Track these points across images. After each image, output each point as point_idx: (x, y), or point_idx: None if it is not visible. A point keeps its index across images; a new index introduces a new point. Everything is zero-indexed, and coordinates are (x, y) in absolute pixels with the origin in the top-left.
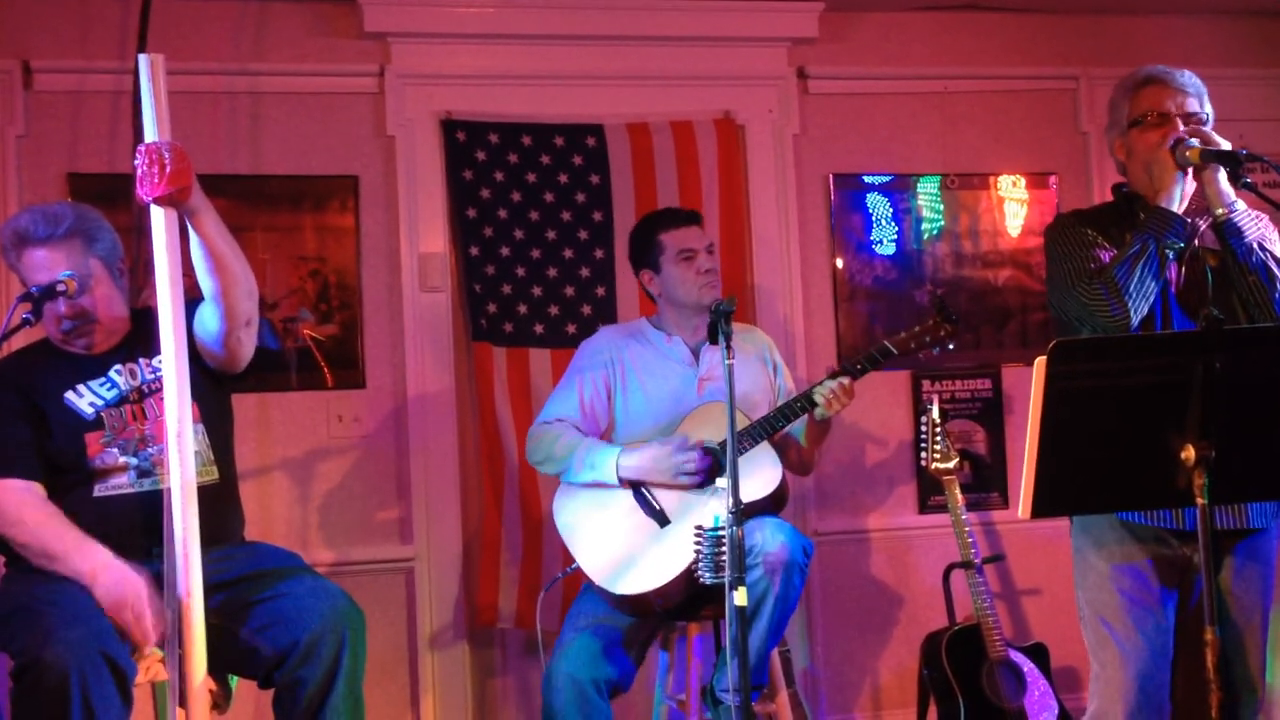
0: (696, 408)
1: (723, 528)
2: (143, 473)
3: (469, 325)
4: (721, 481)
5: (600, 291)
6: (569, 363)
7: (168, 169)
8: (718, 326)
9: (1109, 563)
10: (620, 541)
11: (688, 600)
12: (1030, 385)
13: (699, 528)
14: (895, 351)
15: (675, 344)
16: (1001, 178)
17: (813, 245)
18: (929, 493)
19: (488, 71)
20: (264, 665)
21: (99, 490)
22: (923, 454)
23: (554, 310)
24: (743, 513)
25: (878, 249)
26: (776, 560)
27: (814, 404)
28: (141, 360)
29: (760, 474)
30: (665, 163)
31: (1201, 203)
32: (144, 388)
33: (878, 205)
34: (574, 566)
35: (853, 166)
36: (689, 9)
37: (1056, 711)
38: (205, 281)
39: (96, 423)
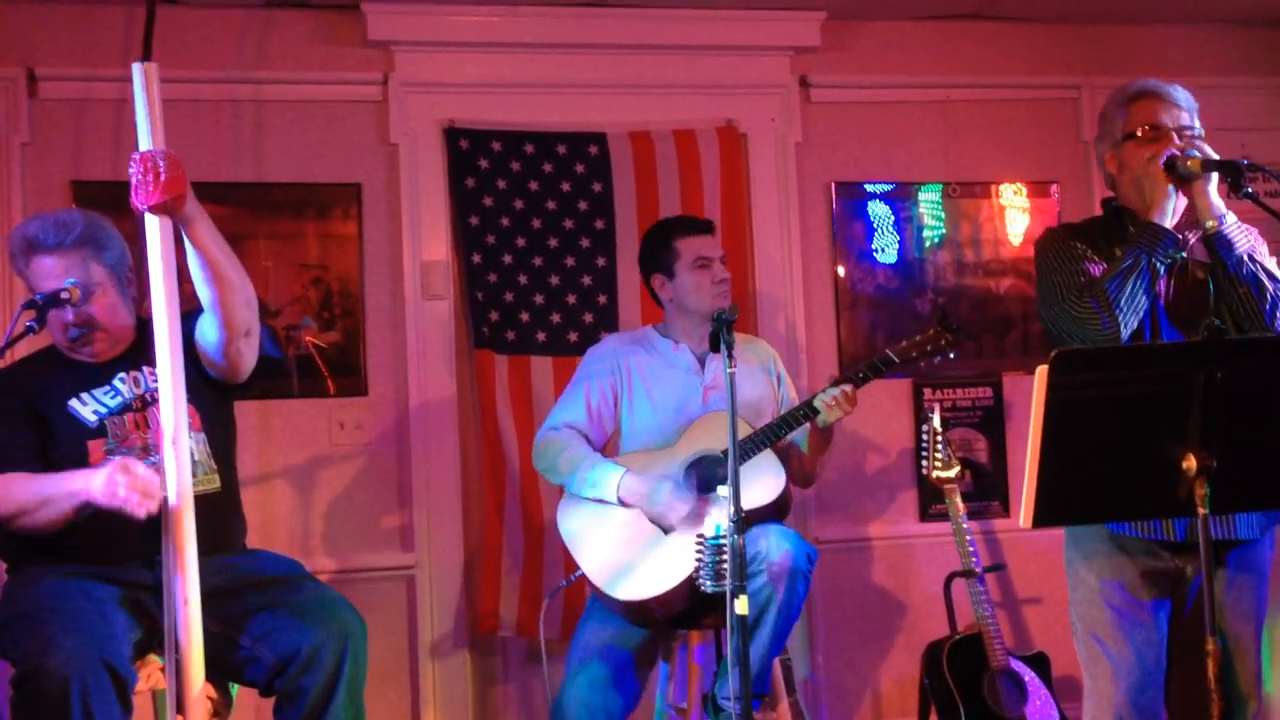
0: (700, 417)
1: (724, 536)
2: None
3: (471, 333)
4: (724, 489)
5: (602, 299)
6: (571, 370)
7: (162, 177)
8: (719, 335)
9: (1099, 577)
10: (623, 548)
11: (690, 608)
12: (1032, 394)
13: (700, 535)
14: (897, 360)
15: (681, 351)
16: (1003, 186)
17: (814, 253)
18: (930, 501)
19: (491, 80)
20: (265, 673)
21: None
22: (924, 462)
23: (556, 318)
24: (745, 520)
25: (879, 257)
26: (780, 568)
27: (816, 412)
28: (145, 369)
29: (763, 481)
30: (668, 171)
31: (1191, 216)
32: (147, 396)
33: (879, 213)
34: (577, 574)
35: (855, 175)
36: (691, 18)
37: None
38: (202, 291)
39: (99, 430)
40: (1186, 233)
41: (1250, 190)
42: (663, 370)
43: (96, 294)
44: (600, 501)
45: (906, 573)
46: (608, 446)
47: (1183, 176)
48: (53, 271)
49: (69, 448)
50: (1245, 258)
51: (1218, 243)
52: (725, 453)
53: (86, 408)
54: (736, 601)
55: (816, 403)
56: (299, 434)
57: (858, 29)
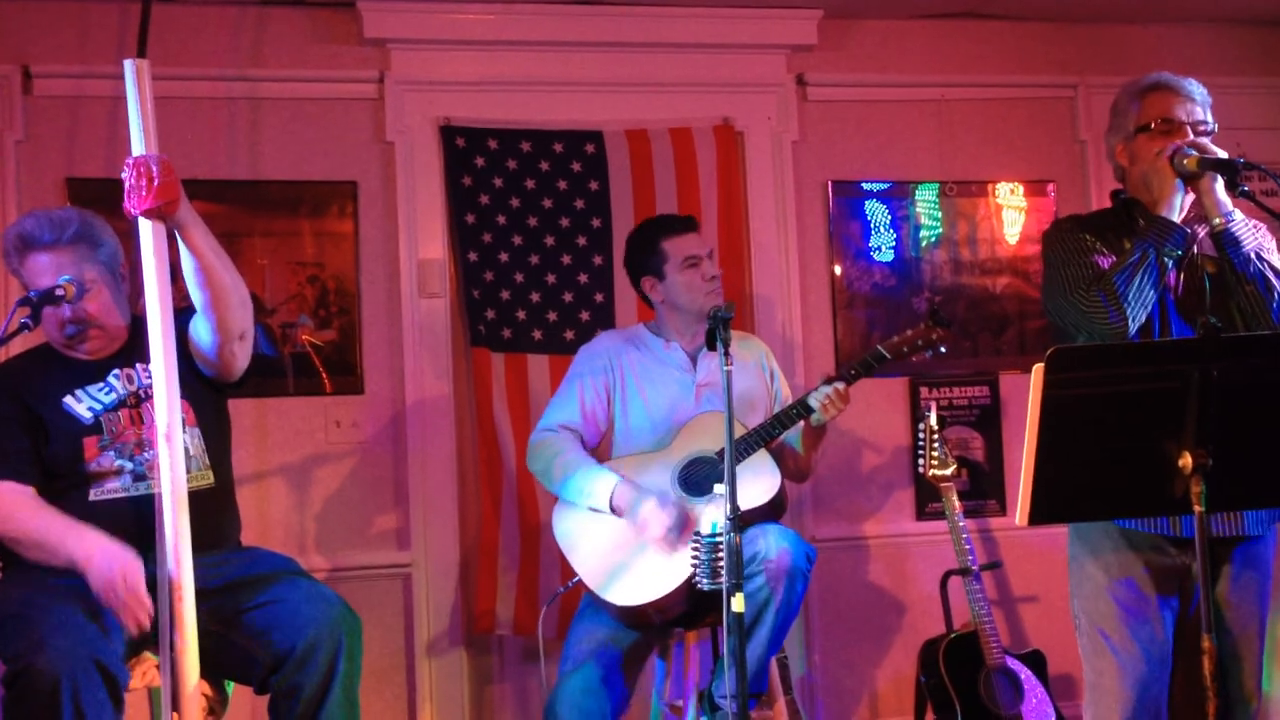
0: (694, 418)
1: (720, 535)
2: (138, 477)
3: (467, 331)
4: (720, 488)
5: (599, 298)
6: (567, 369)
7: (155, 182)
8: (715, 333)
9: (1105, 572)
10: (618, 552)
11: (686, 612)
12: (1028, 392)
13: (696, 534)
14: (889, 356)
15: (674, 350)
16: (1000, 185)
17: (811, 252)
18: (926, 499)
19: (487, 78)
20: (260, 671)
21: (94, 494)
22: (920, 461)
23: (552, 316)
24: (741, 520)
25: (876, 256)
26: (778, 568)
27: (810, 410)
28: (140, 365)
29: (758, 481)
30: (664, 169)
31: (1200, 210)
32: (141, 392)
33: (876, 212)
34: (575, 580)
35: (851, 173)
36: (688, 16)
37: (1054, 719)
38: (196, 294)
39: (94, 427)
40: (1196, 227)
41: (1246, 189)
42: (655, 369)
43: (92, 291)
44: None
45: (903, 571)
46: (602, 444)
47: (1180, 173)
48: (48, 269)
49: (63, 444)
50: (1253, 255)
51: (1225, 240)
52: (720, 453)
53: (81, 404)
54: (733, 600)
55: (810, 401)
56: (295, 432)
57: (854, 28)
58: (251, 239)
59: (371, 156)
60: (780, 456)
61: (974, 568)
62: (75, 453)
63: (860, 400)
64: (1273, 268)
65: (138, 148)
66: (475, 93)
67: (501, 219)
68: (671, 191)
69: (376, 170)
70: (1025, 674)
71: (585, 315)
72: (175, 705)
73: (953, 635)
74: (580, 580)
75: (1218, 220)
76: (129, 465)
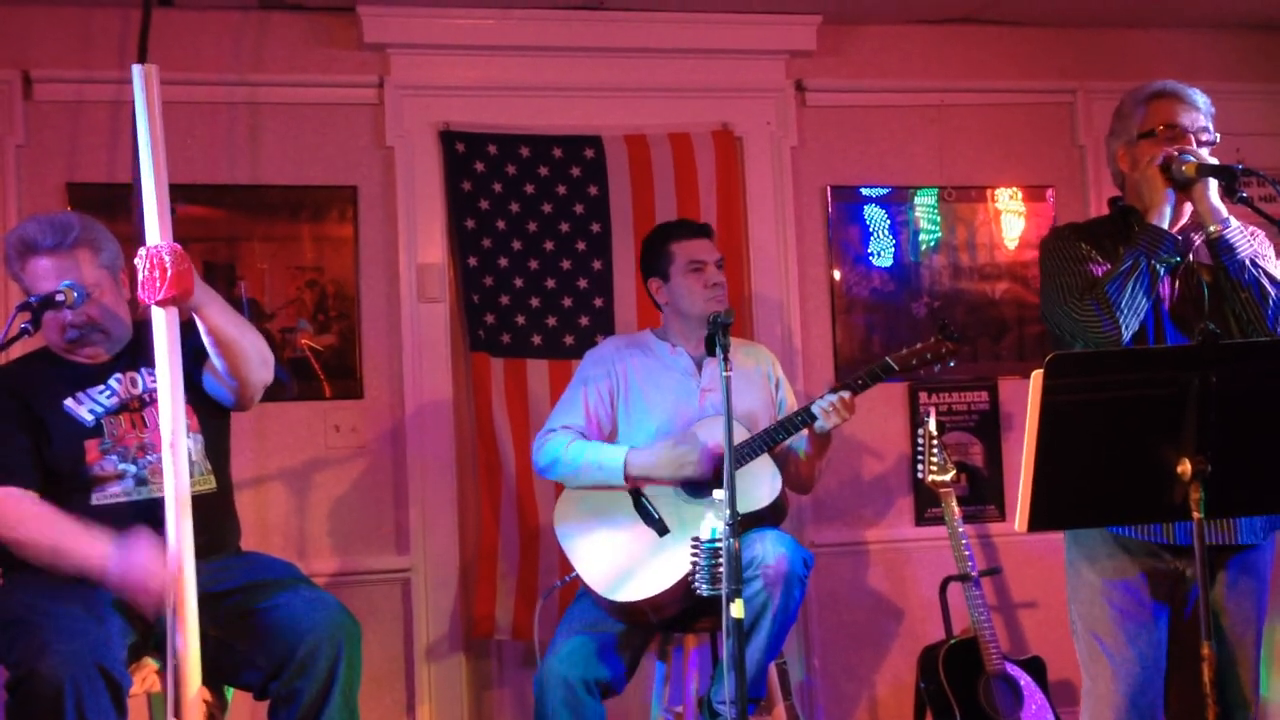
0: (699, 422)
1: (719, 539)
2: (140, 481)
3: (467, 336)
4: (720, 493)
5: (598, 303)
6: (567, 374)
7: (169, 273)
8: (715, 338)
9: (1101, 577)
10: (619, 550)
11: (685, 611)
12: (1027, 398)
13: (695, 539)
14: (897, 368)
15: (679, 355)
16: (998, 190)
17: (810, 257)
18: (926, 505)
19: (487, 83)
20: (260, 676)
21: (96, 498)
22: (919, 466)
23: (552, 321)
24: (741, 524)
25: (875, 261)
26: (776, 573)
27: (814, 418)
28: (143, 369)
29: (759, 486)
30: (663, 174)
31: (1197, 218)
32: (144, 396)
33: (875, 217)
34: (572, 575)
35: (850, 179)
36: (687, 21)
37: None
38: (217, 361)
39: (96, 430)
40: (1191, 235)
41: (1245, 195)
42: (659, 373)
43: (94, 295)
44: (600, 492)
45: (902, 577)
46: None
47: (1176, 180)
48: (49, 273)
49: (64, 446)
50: (1247, 263)
51: (1220, 247)
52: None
53: (82, 407)
54: (732, 605)
55: (814, 409)
56: (295, 437)
57: (853, 33)
58: (251, 243)
59: (371, 161)
60: (784, 464)
61: (973, 573)
62: (76, 455)
63: (859, 405)
64: (1268, 274)
65: (145, 153)
66: (475, 98)
67: (501, 224)
68: (671, 197)
69: (376, 175)
70: (1025, 680)
71: (585, 320)
72: (177, 711)
73: (952, 641)
74: (576, 576)
75: (1213, 227)
76: (131, 469)
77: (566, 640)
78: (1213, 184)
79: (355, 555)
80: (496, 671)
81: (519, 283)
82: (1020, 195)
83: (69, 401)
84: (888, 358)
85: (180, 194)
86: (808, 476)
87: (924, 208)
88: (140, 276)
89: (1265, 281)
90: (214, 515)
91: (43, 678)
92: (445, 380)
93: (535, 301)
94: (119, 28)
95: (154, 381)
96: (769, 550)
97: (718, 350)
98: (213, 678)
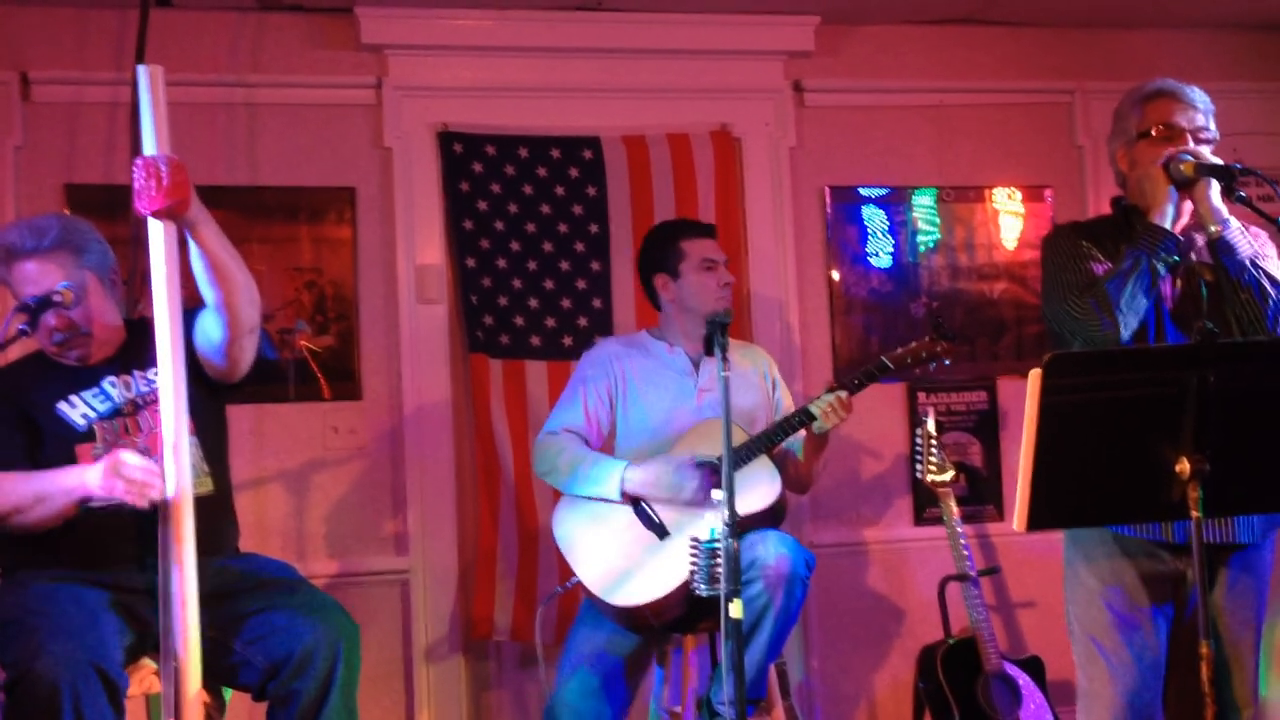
0: (697, 423)
1: (718, 540)
2: None
3: (465, 337)
4: (719, 494)
5: (597, 304)
6: (565, 375)
7: (165, 182)
8: (713, 338)
9: (1098, 579)
10: (619, 553)
11: (685, 615)
12: (1025, 398)
13: (694, 539)
14: (892, 367)
15: (676, 354)
16: (997, 190)
17: (809, 258)
18: (924, 505)
19: (485, 84)
20: (258, 677)
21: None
22: (918, 466)
23: (550, 322)
24: (741, 526)
25: (873, 261)
26: (777, 574)
27: (812, 418)
28: (136, 372)
29: (758, 487)
30: (662, 175)
31: (1199, 218)
32: (138, 399)
33: (873, 218)
34: (573, 581)
35: (849, 179)
36: (685, 22)
37: None
38: (207, 291)
39: (88, 434)
40: (1194, 234)
41: (1243, 194)
42: (657, 373)
43: (82, 297)
44: (603, 500)
45: (901, 577)
46: (604, 448)
47: (1176, 180)
48: (33, 276)
49: (56, 451)
50: (1248, 263)
51: (1220, 248)
52: (720, 458)
53: (75, 410)
54: (730, 606)
55: (812, 409)
56: (293, 438)
57: (851, 34)
58: (249, 245)
59: (369, 162)
60: (782, 464)
61: (972, 573)
62: (69, 459)
63: (858, 405)
64: (1268, 275)
65: (148, 150)
66: (473, 98)
67: (499, 225)
68: (669, 197)
69: (374, 176)
70: (1023, 680)
71: (583, 321)
72: (176, 712)
73: (951, 641)
74: (578, 581)
75: (1213, 227)
76: None
77: (574, 674)
78: (1214, 184)
79: (354, 556)
80: (495, 673)
81: (517, 284)
82: (1019, 195)
83: (62, 404)
84: (883, 357)
85: None
86: (806, 477)
87: (922, 208)
88: (135, 186)
89: (1266, 282)
90: (211, 517)
91: (39, 678)
92: (444, 381)
93: (534, 302)
94: (117, 29)
95: (148, 384)
96: (770, 551)
97: (716, 350)
98: (210, 679)
